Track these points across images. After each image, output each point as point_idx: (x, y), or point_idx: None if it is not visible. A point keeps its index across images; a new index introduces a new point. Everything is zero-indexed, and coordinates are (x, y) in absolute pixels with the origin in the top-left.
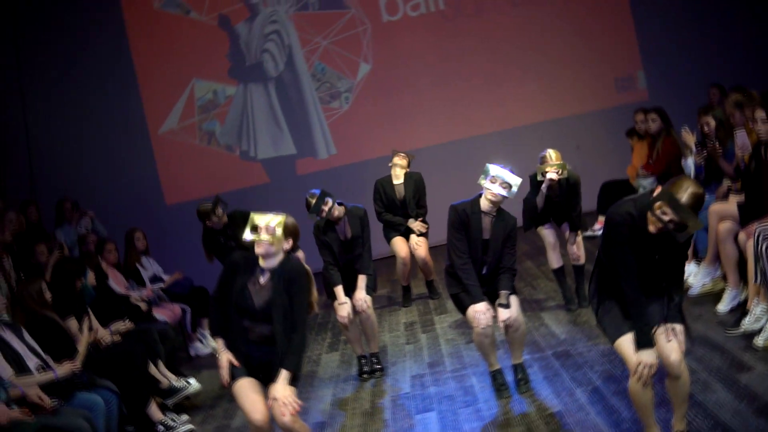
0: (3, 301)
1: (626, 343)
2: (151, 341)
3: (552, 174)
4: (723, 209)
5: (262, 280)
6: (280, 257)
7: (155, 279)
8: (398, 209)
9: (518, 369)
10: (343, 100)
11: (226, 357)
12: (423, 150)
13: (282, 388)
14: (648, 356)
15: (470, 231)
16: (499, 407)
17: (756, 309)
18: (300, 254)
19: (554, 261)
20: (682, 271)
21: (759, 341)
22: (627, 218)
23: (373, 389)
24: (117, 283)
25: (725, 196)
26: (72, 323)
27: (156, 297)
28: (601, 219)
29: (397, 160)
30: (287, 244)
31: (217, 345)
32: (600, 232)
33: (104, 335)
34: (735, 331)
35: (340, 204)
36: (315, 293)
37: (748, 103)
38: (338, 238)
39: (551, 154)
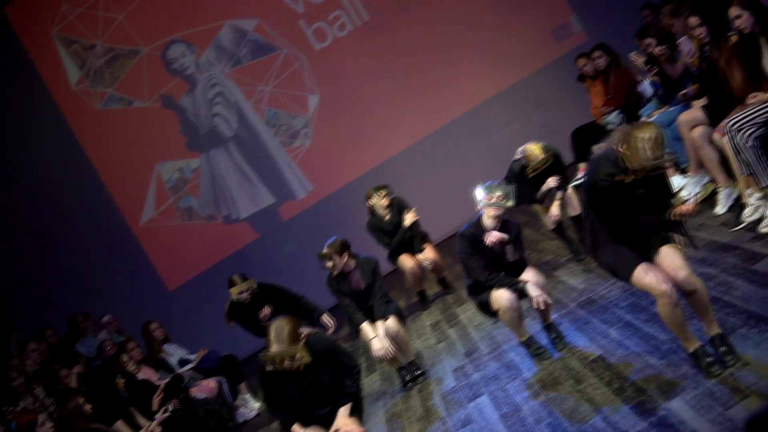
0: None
1: (641, 273)
2: (199, 420)
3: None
4: (691, 117)
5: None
6: (302, 353)
7: (183, 362)
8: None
9: (551, 329)
10: (303, 137)
11: None
12: (394, 158)
13: (341, 419)
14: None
15: (483, 250)
16: (544, 370)
17: (751, 199)
18: None
19: (549, 223)
20: (669, 190)
21: (763, 228)
22: (610, 180)
23: (421, 394)
24: (148, 376)
25: (687, 101)
26: (121, 427)
27: (189, 378)
28: (582, 166)
29: (375, 201)
30: (303, 338)
31: None
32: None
33: (155, 427)
34: (739, 227)
35: (352, 256)
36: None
37: (683, 10)
38: (351, 288)
39: (533, 150)
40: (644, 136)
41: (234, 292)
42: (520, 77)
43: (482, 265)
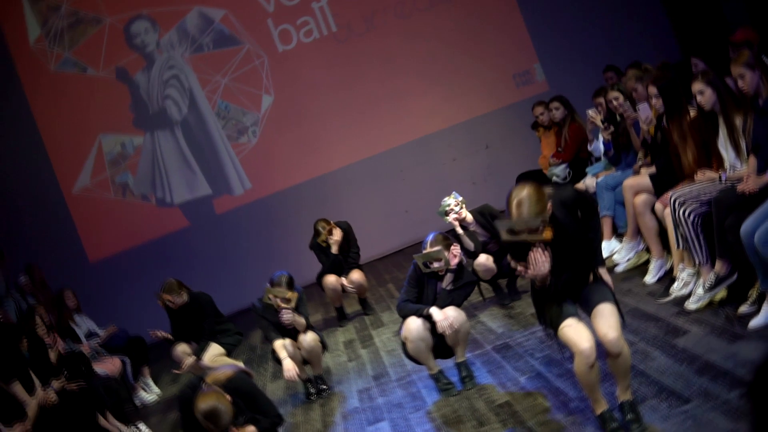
0: None
1: (567, 327)
2: (96, 395)
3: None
4: (636, 183)
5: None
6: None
7: (91, 335)
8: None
9: (462, 367)
10: (250, 135)
11: None
12: (337, 172)
13: None
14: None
15: (423, 282)
16: (449, 406)
17: (683, 274)
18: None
19: (481, 273)
20: (591, 248)
21: (690, 304)
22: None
23: (323, 409)
24: (55, 343)
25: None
26: (17, 387)
27: (94, 352)
28: None
29: (336, 236)
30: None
31: None
32: None
33: (49, 395)
34: (665, 299)
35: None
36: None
37: (646, 77)
38: (281, 323)
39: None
40: (516, 197)
41: (164, 297)
42: (474, 114)
43: (412, 292)
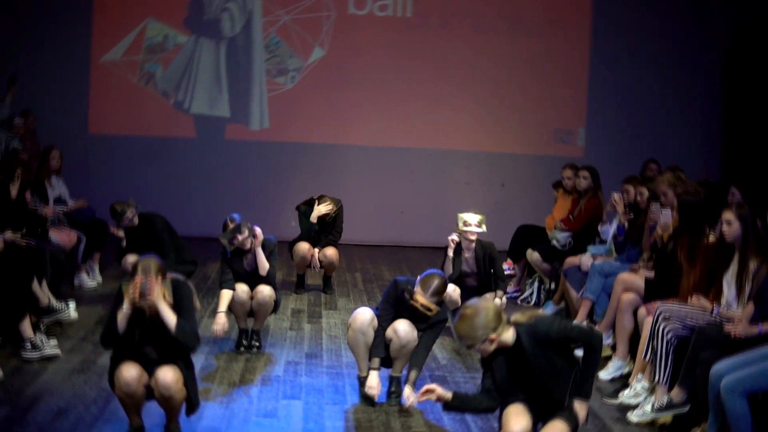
0: None
1: (512, 407)
2: (40, 259)
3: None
4: (630, 280)
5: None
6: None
7: (59, 201)
8: (322, 233)
9: (393, 381)
10: (289, 79)
11: None
12: (353, 147)
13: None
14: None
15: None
16: (365, 413)
17: (637, 385)
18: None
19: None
20: (565, 382)
21: (633, 417)
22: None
23: (246, 364)
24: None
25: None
26: None
27: (56, 218)
28: (510, 261)
29: (323, 208)
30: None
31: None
32: (508, 271)
33: None
34: (612, 401)
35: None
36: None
37: (679, 185)
38: (244, 268)
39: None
40: (474, 307)
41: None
42: (503, 149)
43: (388, 312)
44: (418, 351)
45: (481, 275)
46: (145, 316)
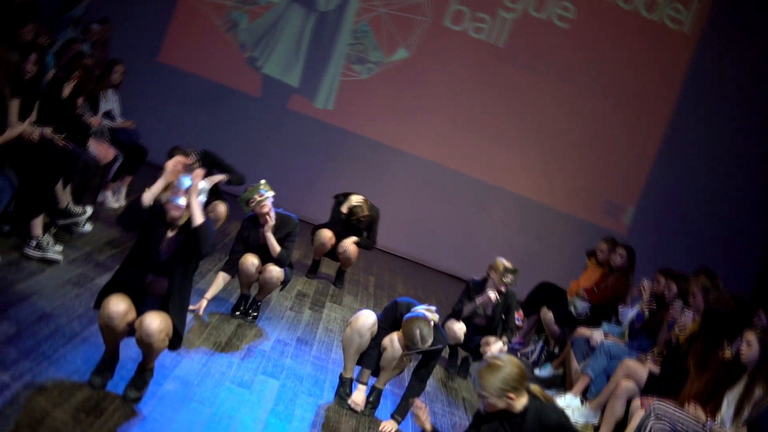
0: None
1: None
2: (72, 164)
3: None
4: (634, 369)
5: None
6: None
7: (108, 115)
8: (348, 230)
9: (374, 392)
10: (366, 69)
11: None
12: (404, 154)
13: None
14: None
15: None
16: (337, 414)
17: None
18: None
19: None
20: None
21: None
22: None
23: (237, 330)
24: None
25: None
26: (14, 104)
27: (100, 130)
28: (521, 312)
29: (355, 200)
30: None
31: None
32: (518, 322)
33: (34, 133)
34: None
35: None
36: None
37: (712, 293)
38: (259, 238)
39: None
40: (501, 362)
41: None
42: (548, 202)
43: (386, 325)
44: (413, 384)
45: (492, 319)
46: (164, 240)
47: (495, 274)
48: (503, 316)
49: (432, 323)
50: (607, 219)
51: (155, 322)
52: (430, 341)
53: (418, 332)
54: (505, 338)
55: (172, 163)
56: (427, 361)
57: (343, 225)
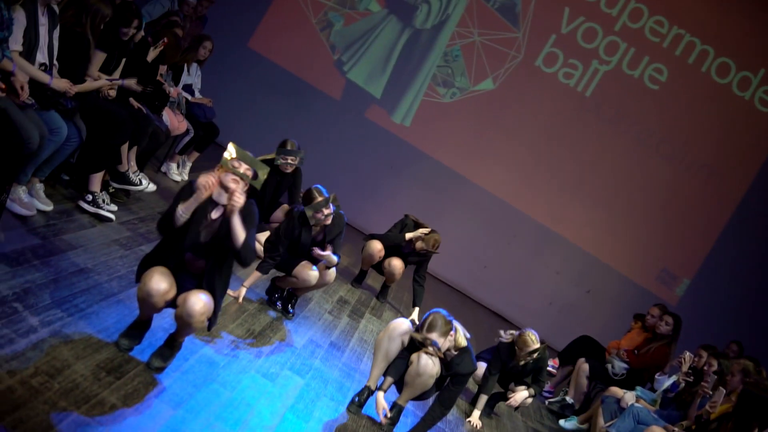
0: None
1: None
2: (143, 128)
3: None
4: None
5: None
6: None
7: (188, 89)
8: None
9: (395, 408)
10: (449, 93)
11: None
12: (470, 183)
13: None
14: None
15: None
16: (353, 423)
17: None
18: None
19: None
20: None
21: None
22: None
23: (273, 321)
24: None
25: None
26: (99, 56)
27: (177, 101)
28: (557, 361)
29: (420, 232)
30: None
31: None
32: (552, 369)
33: (112, 91)
34: None
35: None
36: None
37: (753, 378)
38: (308, 238)
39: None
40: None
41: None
42: (605, 259)
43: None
44: (434, 408)
45: (521, 374)
46: (206, 220)
47: (521, 350)
48: (532, 373)
49: (455, 332)
50: (660, 287)
51: (199, 303)
52: (436, 329)
53: (431, 319)
54: (531, 390)
55: (205, 181)
56: (452, 384)
57: (394, 250)
